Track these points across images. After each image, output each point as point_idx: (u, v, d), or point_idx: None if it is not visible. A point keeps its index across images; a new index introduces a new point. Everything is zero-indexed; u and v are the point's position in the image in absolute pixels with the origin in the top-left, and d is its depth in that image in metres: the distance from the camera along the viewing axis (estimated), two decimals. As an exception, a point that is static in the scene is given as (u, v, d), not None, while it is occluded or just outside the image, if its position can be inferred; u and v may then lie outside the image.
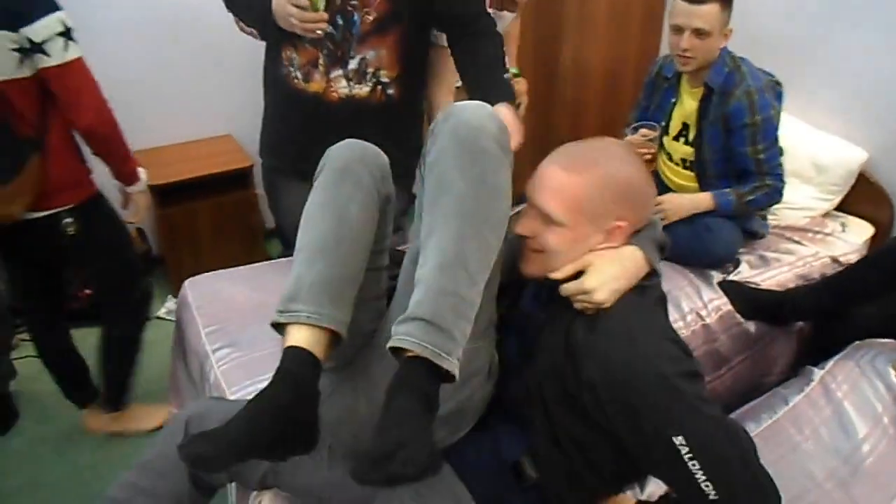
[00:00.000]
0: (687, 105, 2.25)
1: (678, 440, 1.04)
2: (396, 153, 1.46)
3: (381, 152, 1.29)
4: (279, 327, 1.13)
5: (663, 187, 2.41)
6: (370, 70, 1.83)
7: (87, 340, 2.67)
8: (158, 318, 2.92)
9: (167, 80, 3.01)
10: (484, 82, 1.80)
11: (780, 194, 2.17)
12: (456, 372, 1.03)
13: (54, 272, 2.18)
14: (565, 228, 1.18)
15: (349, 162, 1.24)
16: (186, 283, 2.10)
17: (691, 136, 2.24)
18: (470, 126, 1.12)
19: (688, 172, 2.31)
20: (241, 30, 2.06)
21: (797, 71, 2.59)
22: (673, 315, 1.98)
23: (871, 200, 2.55)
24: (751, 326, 2.06)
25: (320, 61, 1.82)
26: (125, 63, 2.89)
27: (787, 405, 1.73)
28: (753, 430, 1.64)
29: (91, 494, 2.12)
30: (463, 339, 1.06)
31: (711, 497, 1.05)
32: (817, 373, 1.82)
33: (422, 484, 1.19)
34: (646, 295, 1.19)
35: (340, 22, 1.76)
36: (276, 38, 1.86)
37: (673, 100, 2.29)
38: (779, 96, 2.24)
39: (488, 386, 1.29)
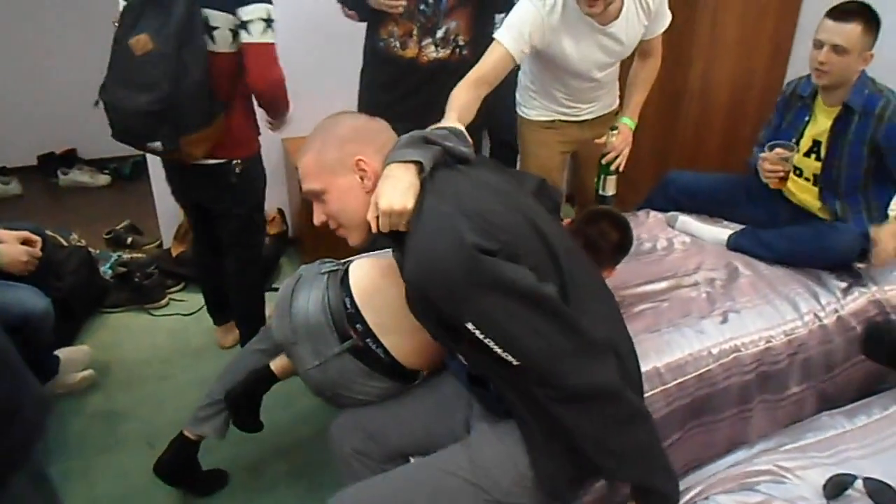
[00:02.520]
0: (821, 123, 2.33)
1: (469, 325, 1.19)
2: None
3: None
4: None
5: (784, 201, 2.50)
6: (452, 36, 2.40)
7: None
8: (292, 291, 3.20)
9: (317, 75, 3.30)
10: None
11: None
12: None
13: (211, 212, 2.51)
14: (329, 192, 1.38)
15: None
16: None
17: (823, 152, 2.32)
18: None
19: (816, 189, 2.39)
20: (345, 14, 2.54)
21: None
22: (791, 314, 2.08)
23: None
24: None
25: (414, 32, 2.39)
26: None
27: (900, 405, 1.80)
28: (864, 420, 1.73)
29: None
30: None
31: (514, 363, 1.22)
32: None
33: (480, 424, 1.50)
34: (430, 193, 1.29)
35: (431, 1, 2.33)
36: (376, 17, 2.37)
37: (807, 118, 2.37)
38: None
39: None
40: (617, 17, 2.17)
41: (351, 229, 1.41)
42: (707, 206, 2.66)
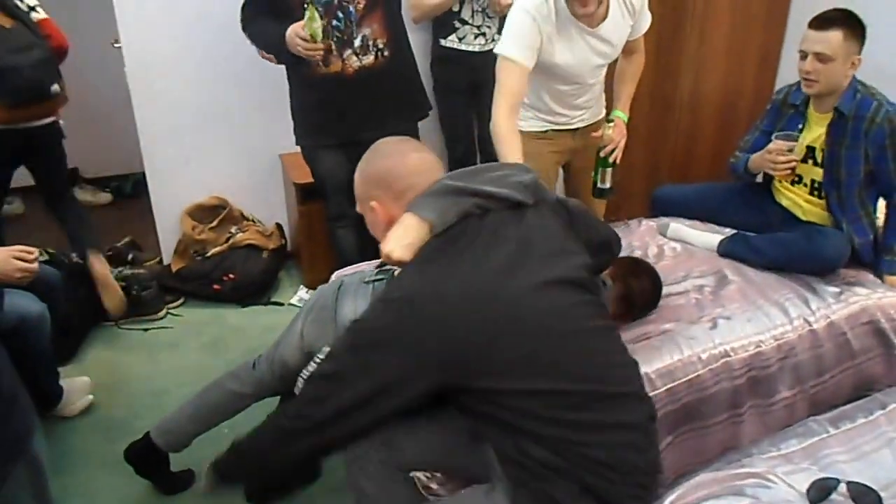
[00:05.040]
0: (815, 130, 2.35)
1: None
2: (400, 107, 2.63)
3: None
4: None
5: (775, 204, 2.54)
6: (370, 42, 2.49)
7: (227, 319, 3.01)
8: (290, 304, 3.25)
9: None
10: None
11: None
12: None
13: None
14: (362, 208, 1.53)
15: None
16: (335, 275, 2.39)
17: (819, 157, 2.35)
18: None
19: (815, 198, 2.41)
20: (262, 56, 2.65)
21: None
22: (781, 319, 2.10)
23: None
24: (854, 341, 2.14)
25: (333, 48, 2.46)
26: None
27: (884, 410, 1.80)
28: (848, 425, 1.74)
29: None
30: None
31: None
32: (921, 386, 1.90)
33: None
34: (428, 253, 1.37)
35: (342, 15, 2.43)
36: (292, 56, 2.41)
37: (800, 125, 2.39)
38: None
39: None
40: (604, 19, 2.22)
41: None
42: (698, 216, 2.68)
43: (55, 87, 2.76)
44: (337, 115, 2.57)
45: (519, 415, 1.31)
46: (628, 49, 2.42)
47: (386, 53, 2.54)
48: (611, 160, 2.37)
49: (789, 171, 2.36)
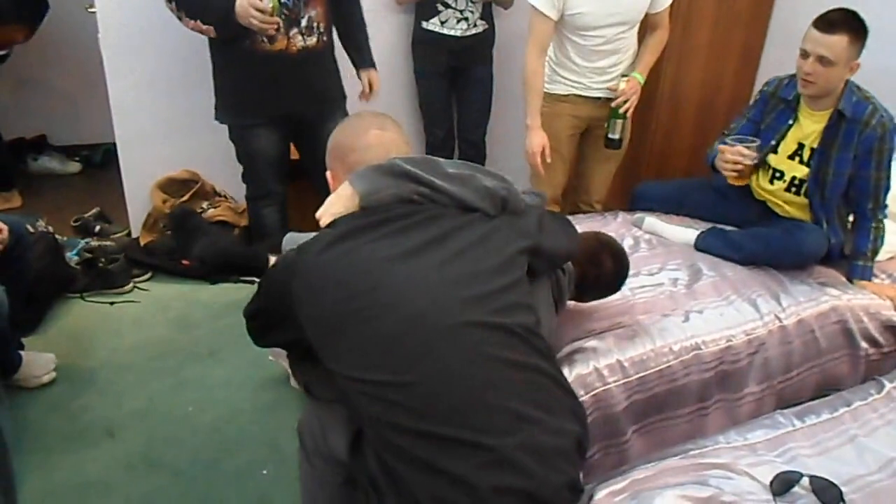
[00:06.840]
0: (805, 127, 2.34)
1: None
2: (332, 89, 2.76)
3: None
4: None
5: (754, 200, 2.55)
6: (314, 24, 2.55)
7: (195, 295, 3.04)
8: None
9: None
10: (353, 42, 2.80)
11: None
12: None
13: None
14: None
15: None
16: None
17: (806, 155, 2.34)
18: None
19: (793, 196, 2.41)
20: (187, 26, 2.49)
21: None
22: (752, 314, 2.13)
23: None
24: (823, 339, 2.16)
25: (280, 26, 2.46)
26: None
27: (849, 407, 1.81)
28: (813, 420, 1.76)
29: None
30: None
31: None
32: (887, 385, 1.90)
33: None
34: (339, 221, 1.36)
35: None
36: (238, 29, 2.39)
37: (790, 121, 2.37)
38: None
39: None
40: None
41: None
42: (678, 211, 2.70)
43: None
44: (274, 92, 2.59)
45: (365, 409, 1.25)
46: (652, 23, 2.67)
47: (325, 38, 2.63)
48: (621, 111, 2.62)
49: (736, 175, 2.35)
